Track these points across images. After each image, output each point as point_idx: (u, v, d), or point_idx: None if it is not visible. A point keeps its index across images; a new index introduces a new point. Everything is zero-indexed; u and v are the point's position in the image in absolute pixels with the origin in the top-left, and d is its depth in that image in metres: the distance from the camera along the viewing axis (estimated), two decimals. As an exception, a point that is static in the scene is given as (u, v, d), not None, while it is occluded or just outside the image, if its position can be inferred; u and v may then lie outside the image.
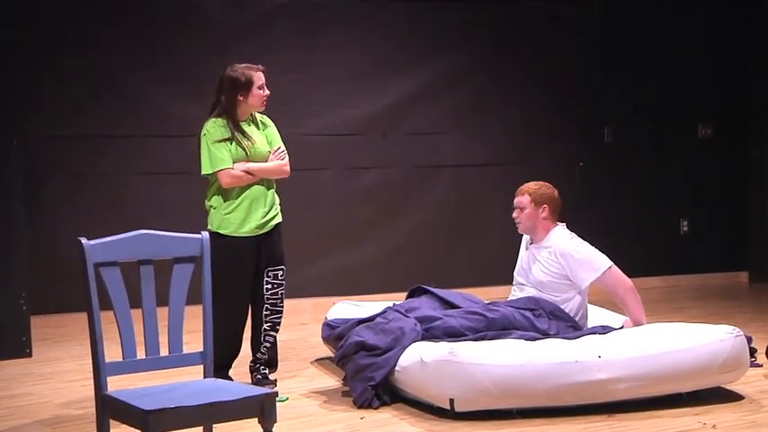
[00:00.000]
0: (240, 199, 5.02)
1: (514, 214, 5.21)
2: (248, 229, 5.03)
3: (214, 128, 5.02)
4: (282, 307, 5.19)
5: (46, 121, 7.16)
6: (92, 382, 3.39)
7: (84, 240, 3.30)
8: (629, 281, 5.07)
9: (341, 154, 7.87)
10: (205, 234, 3.55)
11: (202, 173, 5.05)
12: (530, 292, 5.15)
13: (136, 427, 3.19)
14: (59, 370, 5.78)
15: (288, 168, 5.16)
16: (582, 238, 5.19)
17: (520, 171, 7.37)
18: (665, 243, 8.78)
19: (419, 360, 4.61)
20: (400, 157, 8.03)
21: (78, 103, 7.22)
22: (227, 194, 5.03)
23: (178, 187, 7.26)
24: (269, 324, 5.16)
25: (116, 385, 3.44)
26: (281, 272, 5.16)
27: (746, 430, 4.38)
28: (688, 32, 8.72)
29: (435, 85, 8.07)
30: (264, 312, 5.14)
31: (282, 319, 5.22)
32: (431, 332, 4.86)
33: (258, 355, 5.19)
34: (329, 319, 5.65)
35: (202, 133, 5.05)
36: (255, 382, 5.09)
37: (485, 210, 8.18)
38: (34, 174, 6.91)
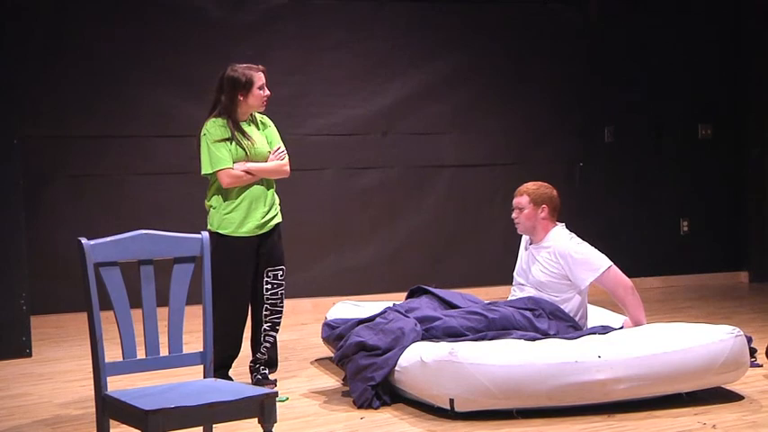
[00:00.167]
0: (240, 199, 5.02)
1: (513, 215, 5.20)
2: (248, 228, 5.03)
3: (214, 128, 5.02)
4: (282, 307, 5.19)
5: (46, 122, 7.16)
6: (92, 382, 3.39)
7: (84, 240, 3.30)
8: (628, 281, 5.07)
9: (340, 154, 7.86)
10: (205, 234, 3.55)
11: (202, 173, 5.05)
12: (529, 292, 5.14)
13: (136, 428, 3.19)
14: (59, 370, 5.78)
15: (288, 168, 5.16)
16: (582, 238, 5.18)
17: (520, 171, 7.38)
18: (665, 243, 8.76)
19: (419, 360, 4.60)
20: (400, 157, 8.02)
21: (78, 103, 7.22)
22: (226, 194, 5.02)
23: (178, 187, 7.26)
24: (269, 324, 5.16)
25: (116, 385, 3.45)
26: (280, 272, 5.16)
27: (746, 430, 4.37)
28: (688, 32, 8.72)
29: (435, 86, 8.06)
30: (264, 312, 5.14)
31: (282, 319, 5.22)
32: (431, 332, 4.85)
33: (258, 355, 5.19)
34: (329, 319, 5.65)
35: (202, 133, 5.05)
36: (255, 382, 5.08)
37: (484, 210, 8.18)
38: (34, 174, 6.92)
